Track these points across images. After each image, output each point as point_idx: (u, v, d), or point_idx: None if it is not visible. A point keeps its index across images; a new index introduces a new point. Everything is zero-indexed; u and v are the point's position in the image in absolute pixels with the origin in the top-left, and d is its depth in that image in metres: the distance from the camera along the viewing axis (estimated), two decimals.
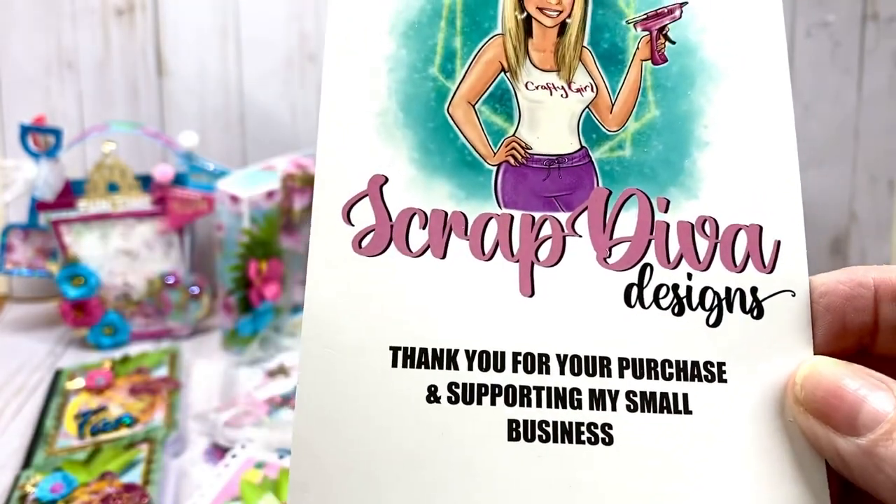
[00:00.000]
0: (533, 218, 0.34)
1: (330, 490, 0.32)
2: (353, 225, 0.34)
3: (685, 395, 0.33)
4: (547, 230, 0.34)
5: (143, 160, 1.26)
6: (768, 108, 0.35)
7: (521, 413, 0.33)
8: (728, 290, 0.34)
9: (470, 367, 0.33)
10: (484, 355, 0.33)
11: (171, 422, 0.90)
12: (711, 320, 0.34)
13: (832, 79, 1.34)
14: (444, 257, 0.34)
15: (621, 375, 0.33)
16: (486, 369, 0.33)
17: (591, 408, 0.33)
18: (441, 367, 0.33)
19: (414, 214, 0.34)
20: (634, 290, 0.34)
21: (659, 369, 0.33)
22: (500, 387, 0.33)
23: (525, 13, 0.36)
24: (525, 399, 0.33)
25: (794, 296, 0.34)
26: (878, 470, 0.29)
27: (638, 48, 0.36)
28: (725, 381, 0.33)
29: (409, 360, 0.33)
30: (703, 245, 0.34)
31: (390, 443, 0.33)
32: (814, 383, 0.32)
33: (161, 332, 1.17)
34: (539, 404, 0.33)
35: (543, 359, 0.33)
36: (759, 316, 0.34)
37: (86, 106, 1.27)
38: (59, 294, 1.13)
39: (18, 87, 1.26)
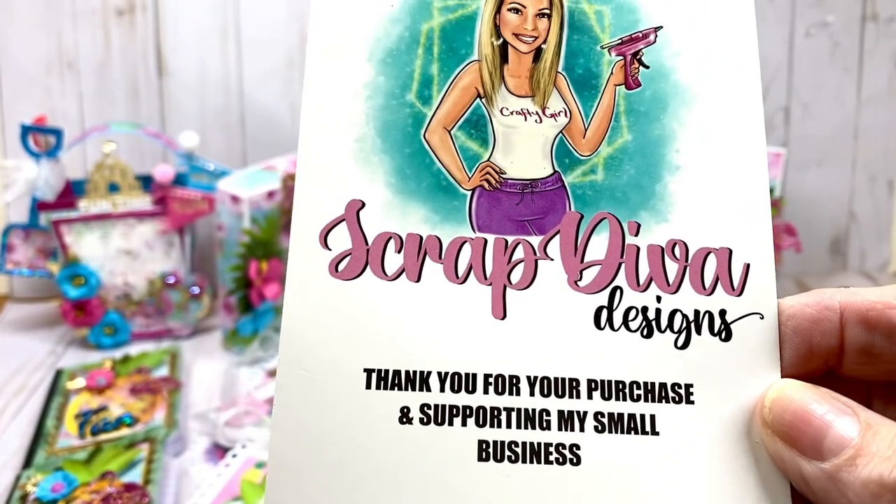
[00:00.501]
0: (506, 241, 0.35)
1: None
2: (329, 249, 0.35)
3: (653, 417, 0.34)
4: (519, 254, 0.35)
5: (144, 160, 1.26)
6: (740, 132, 0.36)
7: (491, 434, 0.34)
8: (697, 312, 0.34)
9: (442, 389, 0.34)
10: (456, 377, 0.34)
11: (172, 421, 0.91)
12: (680, 342, 0.34)
13: (832, 79, 1.34)
14: (418, 280, 0.35)
15: (590, 397, 0.34)
16: (458, 391, 0.34)
17: (559, 429, 0.34)
18: (414, 389, 0.34)
19: (390, 238, 0.35)
20: (604, 313, 0.34)
21: (627, 391, 0.34)
22: (471, 408, 0.34)
23: (501, 39, 0.36)
24: (495, 420, 0.34)
25: (762, 318, 0.34)
26: (840, 495, 0.30)
27: (612, 73, 0.36)
28: (693, 402, 0.34)
29: (382, 382, 0.34)
30: (672, 268, 0.35)
31: (364, 463, 0.33)
32: (782, 406, 0.32)
33: (162, 332, 1.18)
34: (509, 425, 0.34)
35: (514, 380, 0.34)
36: (728, 338, 0.34)
37: (86, 106, 1.28)
38: (59, 294, 1.14)
39: (19, 87, 1.26)
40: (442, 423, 0.34)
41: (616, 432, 0.34)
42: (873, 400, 0.35)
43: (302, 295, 0.35)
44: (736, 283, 0.35)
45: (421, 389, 0.34)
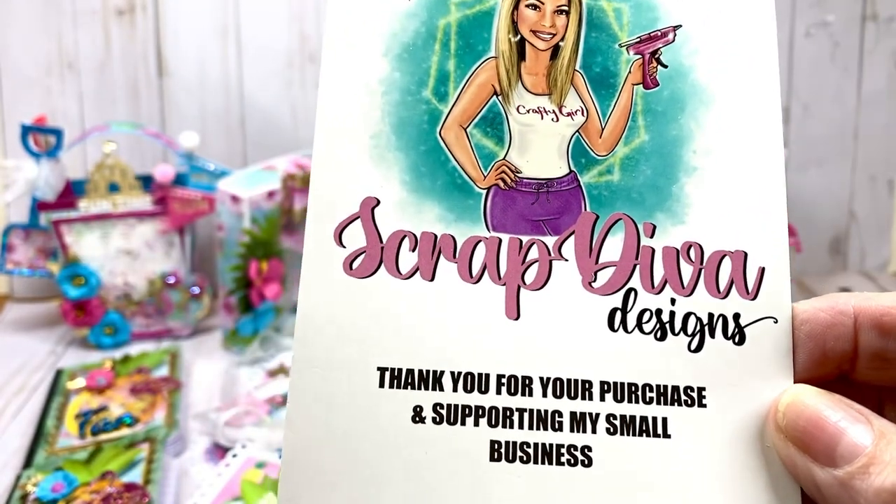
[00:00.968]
0: (520, 241, 0.35)
1: None
2: (344, 247, 0.35)
3: (664, 420, 0.34)
4: (534, 254, 0.35)
5: (144, 160, 1.26)
6: (758, 134, 0.35)
7: (503, 434, 0.34)
8: (711, 315, 0.34)
9: (455, 389, 0.34)
10: (469, 377, 0.34)
11: (172, 421, 0.91)
12: (693, 346, 0.34)
13: (832, 79, 1.34)
14: (432, 279, 0.34)
15: (602, 399, 0.34)
16: (471, 391, 0.34)
17: (571, 430, 0.34)
18: (427, 388, 0.34)
19: (404, 237, 0.35)
20: (618, 315, 0.34)
21: (639, 393, 0.34)
22: (483, 408, 0.34)
23: (518, 36, 0.36)
24: (507, 420, 0.34)
25: (776, 323, 0.34)
26: (853, 502, 0.30)
27: (630, 72, 0.36)
28: (705, 406, 0.34)
29: (395, 381, 0.34)
30: (687, 271, 0.35)
31: (377, 461, 0.33)
32: (796, 412, 0.32)
33: (162, 332, 1.17)
34: (521, 426, 0.34)
35: (527, 381, 0.34)
36: (741, 342, 0.34)
37: (86, 106, 1.28)
38: (59, 294, 1.13)
39: (19, 87, 1.26)
40: (454, 423, 0.34)
41: (628, 434, 0.34)
42: (885, 406, 0.35)
43: (316, 292, 0.34)
44: (750, 286, 0.35)
45: (434, 389, 0.34)
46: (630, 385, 0.34)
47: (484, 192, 0.35)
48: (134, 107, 1.29)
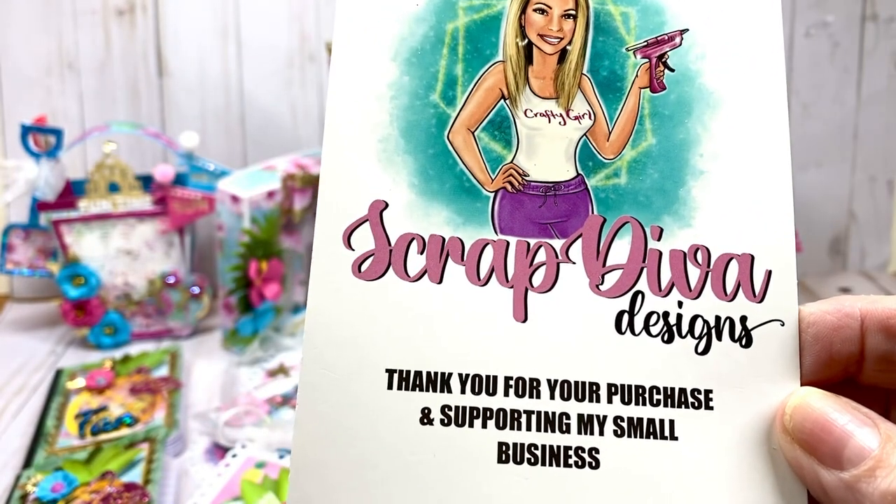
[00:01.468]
0: (528, 244, 0.35)
1: None
2: (353, 249, 0.35)
3: (671, 422, 0.34)
4: (541, 256, 0.35)
5: (144, 160, 1.26)
6: (765, 138, 0.36)
7: (511, 436, 0.34)
8: (718, 318, 0.34)
9: (463, 391, 0.34)
10: (476, 379, 0.34)
11: (172, 421, 0.91)
12: (700, 348, 0.34)
13: (831, 79, 1.34)
14: (440, 282, 0.35)
15: (609, 401, 0.34)
16: (479, 393, 0.34)
17: (579, 432, 0.34)
18: (435, 390, 0.34)
19: (412, 240, 0.35)
20: (625, 317, 0.35)
21: (647, 395, 0.34)
22: (491, 410, 0.34)
23: (526, 40, 0.36)
24: (515, 422, 0.34)
25: (783, 325, 0.34)
26: None
27: (637, 76, 0.36)
28: (712, 408, 0.34)
29: (404, 383, 0.34)
30: (694, 273, 0.35)
31: (385, 463, 0.34)
32: (803, 414, 0.32)
33: (162, 332, 1.17)
34: (529, 428, 0.34)
35: (534, 383, 0.34)
36: (748, 345, 0.34)
37: (86, 106, 1.28)
38: (59, 294, 1.13)
39: (19, 87, 1.26)
40: (462, 425, 0.34)
41: (635, 437, 0.34)
42: (891, 408, 0.36)
43: (325, 295, 0.35)
44: (757, 289, 0.35)
45: (442, 391, 0.34)
46: (637, 387, 0.34)
47: (492, 195, 0.35)
48: (134, 107, 1.29)
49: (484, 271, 0.35)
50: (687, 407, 0.34)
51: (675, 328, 0.34)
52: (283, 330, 1.14)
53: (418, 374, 0.34)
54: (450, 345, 0.34)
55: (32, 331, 1.19)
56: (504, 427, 0.34)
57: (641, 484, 0.33)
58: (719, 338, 0.34)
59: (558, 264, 0.35)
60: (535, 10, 0.36)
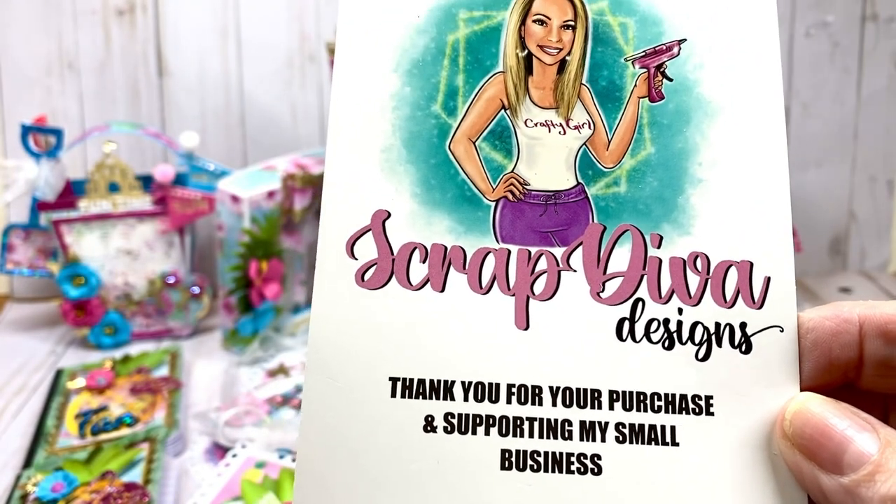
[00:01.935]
0: (529, 253, 0.35)
1: None
2: (356, 259, 0.35)
3: (673, 428, 0.34)
4: (542, 265, 0.35)
5: (144, 160, 1.26)
6: (763, 146, 0.36)
7: (513, 443, 0.34)
8: (718, 325, 0.35)
9: (465, 398, 0.34)
10: (479, 386, 0.34)
11: (172, 421, 0.91)
12: (700, 354, 0.35)
13: (831, 79, 1.34)
14: (442, 291, 0.35)
15: (611, 407, 0.34)
16: (481, 400, 0.34)
17: (581, 439, 0.34)
18: (438, 398, 0.34)
19: (415, 249, 0.35)
20: (626, 325, 0.35)
21: (648, 402, 0.34)
22: (494, 417, 0.34)
23: (526, 51, 0.37)
24: (518, 430, 0.34)
25: (782, 331, 0.35)
26: None
27: (635, 85, 0.36)
28: (713, 414, 0.34)
29: (407, 391, 0.34)
30: (694, 280, 0.35)
31: (389, 470, 0.34)
32: (803, 420, 0.33)
33: (162, 332, 1.17)
34: (531, 435, 0.34)
35: (536, 390, 0.34)
36: (748, 351, 0.35)
37: (87, 106, 1.28)
38: (59, 294, 1.13)
39: (19, 87, 1.26)
40: (465, 432, 0.34)
41: (637, 443, 0.34)
42: (890, 413, 0.36)
43: (328, 304, 0.35)
44: (756, 296, 0.35)
45: (445, 398, 0.34)
46: (639, 394, 0.34)
47: (493, 204, 0.36)
48: (134, 107, 1.29)
49: (486, 280, 0.35)
50: (688, 413, 0.34)
51: (675, 335, 0.35)
52: (283, 330, 1.14)
53: (421, 381, 0.34)
54: (452, 353, 0.35)
55: (32, 331, 1.19)
56: (507, 434, 0.34)
57: (643, 490, 0.34)
58: (719, 344, 0.35)
59: (559, 272, 0.35)
60: (534, 22, 0.37)
